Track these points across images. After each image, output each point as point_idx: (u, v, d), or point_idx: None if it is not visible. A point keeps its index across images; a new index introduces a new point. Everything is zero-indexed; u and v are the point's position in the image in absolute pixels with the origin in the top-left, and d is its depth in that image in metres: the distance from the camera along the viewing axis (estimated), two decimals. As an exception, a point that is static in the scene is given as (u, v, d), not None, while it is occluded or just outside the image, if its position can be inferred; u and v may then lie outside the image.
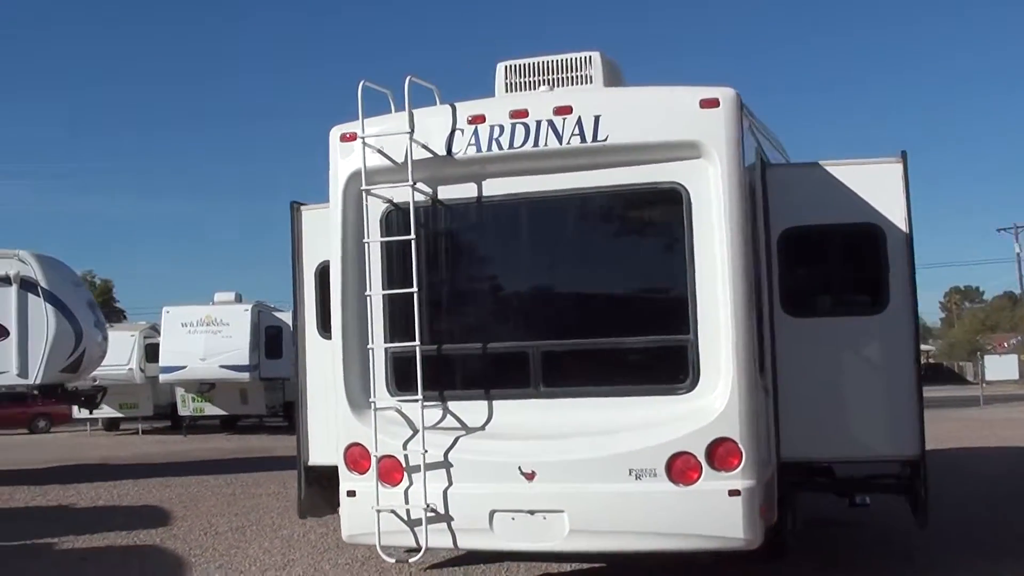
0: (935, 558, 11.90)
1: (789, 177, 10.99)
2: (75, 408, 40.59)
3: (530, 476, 9.34)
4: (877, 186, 10.65)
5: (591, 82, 10.42)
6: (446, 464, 9.61)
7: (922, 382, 10.52)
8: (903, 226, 10.54)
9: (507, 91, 10.62)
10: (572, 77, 10.52)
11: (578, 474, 9.27)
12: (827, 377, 10.57)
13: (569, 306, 10.26)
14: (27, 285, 21.91)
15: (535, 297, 10.31)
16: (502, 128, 9.74)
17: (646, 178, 9.53)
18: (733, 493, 8.97)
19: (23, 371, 21.89)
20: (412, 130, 9.85)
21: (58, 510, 18.61)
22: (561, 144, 9.57)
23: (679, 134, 9.38)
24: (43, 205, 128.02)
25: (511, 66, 10.71)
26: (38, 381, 22.18)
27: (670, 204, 9.47)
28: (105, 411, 40.07)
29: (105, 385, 32.45)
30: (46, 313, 21.86)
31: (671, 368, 9.47)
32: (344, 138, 10.15)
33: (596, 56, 10.47)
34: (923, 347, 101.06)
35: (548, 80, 10.53)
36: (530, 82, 10.60)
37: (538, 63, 10.64)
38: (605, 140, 9.49)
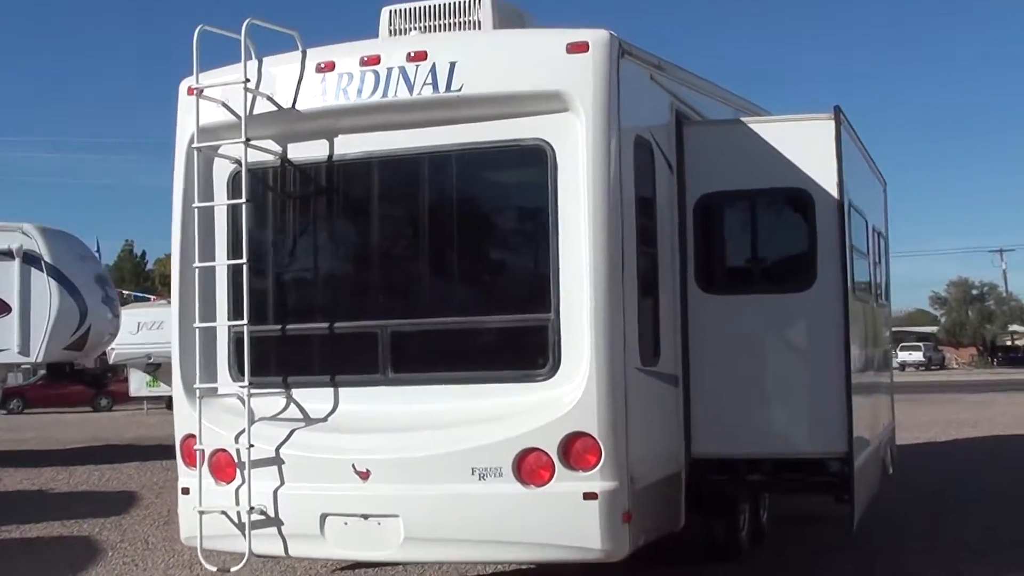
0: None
1: (708, 136, 9.73)
2: (133, 386, 40.64)
3: (364, 475, 8.12)
4: (807, 146, 9.47)
5: (479, 27, 9.18)
6: (277, 460, 8.40)
7: (851, 368, 9.21)
8: (834, 192, 9.24)
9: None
10: (461, 23, 9.29)
11: (415, 474, 8.05)
12: (747, 362, 9.42)
13: (422, 281, 8.95)
14: (30, 259, 21.22)
15: (385, 271, 9.01)
16: (351, 77, 8.53)
17: (507, 135, 8.28)
18: (589, 496, 7.71)
19: (24, 349, 21.20)
20: (249, 80, 8.63)
21: (32, 495, 17.93)
22: (412, 95, 8.36)
23: (542, 83, 8.14)
24: (149, 179, 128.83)
25: (395, 11, 9.51)
26: (40, 359, 21.61)
27: (533, 165, 8.21)
28: (162, 389, 39.79)
29: (159, 362, 31.89)
30: (49, 289, 21.16)
31: (530, 352, 8.21)
32: (191, 91, 8.98)
33: None
34: (1020, 328, 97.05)
35: (435, 26, 9.33)
36: (415, 28, 9.40)
37: (424, 7, 9.41)
38: (460, 90, 8.26)
